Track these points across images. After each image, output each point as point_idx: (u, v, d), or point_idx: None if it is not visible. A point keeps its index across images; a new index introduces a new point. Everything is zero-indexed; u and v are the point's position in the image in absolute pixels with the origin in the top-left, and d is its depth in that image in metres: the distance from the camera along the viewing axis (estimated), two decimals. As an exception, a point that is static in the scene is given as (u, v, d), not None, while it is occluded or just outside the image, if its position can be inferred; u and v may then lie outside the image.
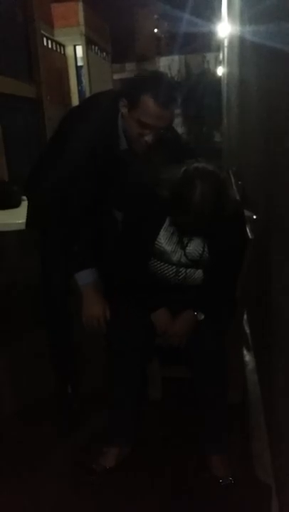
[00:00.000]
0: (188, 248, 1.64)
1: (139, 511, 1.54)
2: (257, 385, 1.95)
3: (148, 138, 1.61)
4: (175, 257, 1.66)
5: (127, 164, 1.71)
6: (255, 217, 1.77)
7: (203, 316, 1.64)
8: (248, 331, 2.35)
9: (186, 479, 1.63)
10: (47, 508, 1.58)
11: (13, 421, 1.99)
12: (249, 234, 1.73)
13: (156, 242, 1.67)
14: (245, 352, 2.18)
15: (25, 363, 2.38)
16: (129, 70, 17.55)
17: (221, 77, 8.79)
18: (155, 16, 17.96)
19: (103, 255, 1.81)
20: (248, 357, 2.17)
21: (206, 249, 1.63)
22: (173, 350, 1.69)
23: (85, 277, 1.72)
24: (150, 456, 1.74)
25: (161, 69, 13.90)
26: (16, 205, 2.89)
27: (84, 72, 12.43)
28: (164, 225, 1.67)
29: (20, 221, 2.36)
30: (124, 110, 1.62)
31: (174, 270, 1.67)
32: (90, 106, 1.81)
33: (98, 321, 1.71)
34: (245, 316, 2.24)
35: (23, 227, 2.14)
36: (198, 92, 11.88)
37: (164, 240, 1.67)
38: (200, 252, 1.64)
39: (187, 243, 1.64)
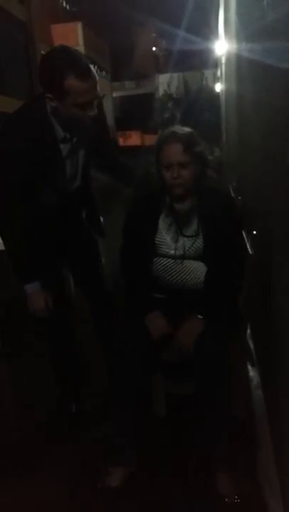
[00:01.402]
0: (185, 231, 1.76)
1: (139, 511, 1.53)
2: (262, 401, 1.93)
3: (91, 112, 1.59)
4: (176, 246, 1.75)
5: (71, 150, 1.71)
6: (255, 232, 1.78)
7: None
8: (251, 346, 2.33)
9: (186, 479, 1.63)
10: (47, 508, 1.58)
11: (13, 421, 2.01)
12: (249, 250, 1.73)
13: (157, 235, 1.77)
14: (249, 367, 2.16)
15: (27, 365, 2.40)
16: (128, 87, 17.77)
17: (219, 93, 8.89)
18: (153, 35, 18.25)
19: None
20: (252, 372, 2.16)
21: (200, 226, 1.74)
22: (177, 366, 1.69)
23: (29, 287, 1.78)
24: (150, 456, 1.74)
25: (160, 86, 14.06)
26: None
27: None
28: (161, 216, 1.78)
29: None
30: (55, 104, 1.57)
31: (174, 263, 1.75)
32: (17, 111, 1.76)
33: (41, 311, 1.79)
34: (248, 331, 2.23)
35: None
36: (196, 108, 12.00)
37: (164, 230, 1.78)
38: (196, 229, 1.75)
39: (184, 223, 1.75)
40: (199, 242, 1.76)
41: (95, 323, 2.12)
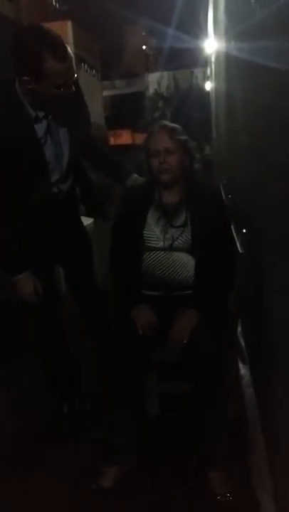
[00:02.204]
0: (174, 222, 1.80)
1: (139, 511, 1.54)
2: (253, 399, 1.94)
3: (69, 91, 1.58)
4: (164, 237, 1.78)
5: (48, 131, 1.68)
6: (244, 231, 1.78)
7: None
8: (242, 343, 2.34)
9: (186, 479, 1.64)
10: (47, 508, 1.59)
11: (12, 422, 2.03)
12: (239, 248, 1.74)
13: (145, 229, 1.81)
14: (240, 365, 2.16)
15: (26, 365, 2.39)
16: (118, 86, 17.73)
17: (209, 91, 8.91)
18: (143, 33, 18.22)
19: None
20: (243, 370, 2.16)
21: (188, 217, 1.79)
22: (171, 365, 1.69)
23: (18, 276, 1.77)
24: (150, 456, 1.75)
25: (151, 85, 14.05)
26: None
27: (74, 89, 12.51)
28: (150, 211, 1.83)
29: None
30: (32, 86, 1.53)
31: (164, 256, 1.79)
32: None
33: (30, 296, 1.79)
34: (239, 329, 2.24)
35: None
36: (187, 106, 12.02)
37: (153, 224, 1.82)
38: (184, 220, 1.79)
39: (172, 216, 1.80)
40: (187, 233, 1.78)
41: (85, 322, 2.12)
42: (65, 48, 1.51)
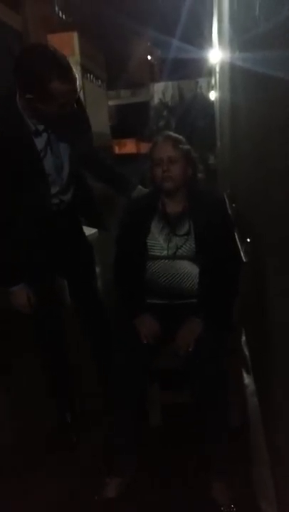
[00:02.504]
0: (177, 231, 1.81)
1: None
2: (257, 408, 1.93)
3: (70, 106, 1.57)
4: (168, 246, 1.80)
5: (48, 144, 1.68)
6: (248, 240, 1.79)
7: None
8: (246, 352, 2.33)
9: (188, 488, 1.63)
10: (46, 508, 1.59)
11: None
12: (243, 257, 1.74)
13: (148, 237, 1.82)
14: (244, 374, 2.16)
15: (27, 374, 2.39)
16: (124, 96, 17.89)
17: (213, 101, 8.96)
18: (148, 44, 18.41)
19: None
20: (247, 379, 2.15)
21: (192, 226, 1.80)
22: (174, 374, 1.69)
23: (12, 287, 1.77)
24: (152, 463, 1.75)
25: (156, 95, 14.17)
26: None
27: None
28: (154, 221, 1.84)
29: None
30: (34, 104, 1.53)
31: (168, 264, 1.80)
32: None
33: (24, 307, 1.79)
34: (243, 338, 2.23)
35: None
36: (191, 116, 12.10)
37: (156, 233, 1.83)
38: (188, 229, 1.81)
39: (176, 225, 1.82)
40: (191, 242, 1.79)
41: (86, 333, 2.12)
42: (71, 69, 1.51)
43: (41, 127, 1.65)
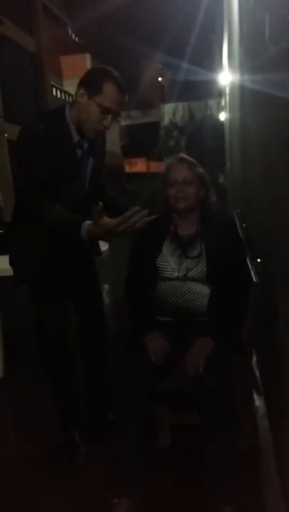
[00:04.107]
0: (189, 253, 1.83)
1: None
2: (268, 431, 1.89)
3: (107, 122, 1.73)
4: (179, 268, 1.82)
5: (83, 155, 1.83)
6: (259, 260, 1.78)
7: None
8: (257, 374, 2.30)
9: (195, 502, 1.58)
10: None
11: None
12: (254, 277, 1.73)
13: (159, 258, 1.85)
14: (255, 396, 2.12)
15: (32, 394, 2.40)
16: (135, 116, 18.15)
17: (223, 122, 9.06)
18: (159, 66, 18.74)
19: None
20: (258, 401, 2.12)
21: (204, 248, 1.82)
22: (183, 395, 1.67)
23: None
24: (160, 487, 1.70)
25: (166, 115, 14.38)
26: None
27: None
28: (166, 242, 1.87)
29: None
30: (82, 99, 1.72)
31: (179, 285, 1.81)
32: (38, 115, 2.06)
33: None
34: (254, 359, 2.21)
35: None
36: (201, 136, 12.21)
37: (168, 255, 1.86)
38: (199, 251, 1.82)
39: (188, 247, 1.84)
40: (202, 264, 1.80)
41: (87, 358, 2.11)
42: (124, 86, 1.72)
43: (81, 140, 1.80)
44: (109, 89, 1.68)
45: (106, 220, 1.57)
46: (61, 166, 1.74)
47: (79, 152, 1.82)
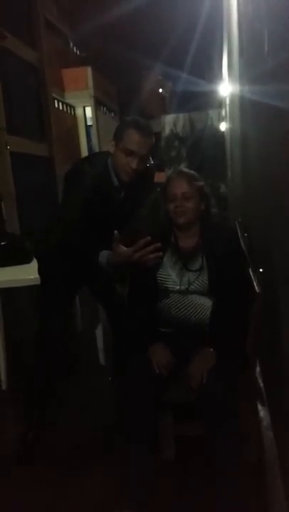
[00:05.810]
0: (190, 266, 1.83)
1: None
2: (273, 442, 1.87)
3: (133, 164, 1.86)
4: (181, 281, 1.82)
5: (120, 198, 2.00)
6: (261, 270, 1.78)
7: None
8: (261, 384, 2.29)
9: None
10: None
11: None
12: (256, 287, 1.73)
13: (160, 270, 1.85)
14: (259, 407, 2.10)
15: None
16: (135, 127, 18.20)
17: (224, 132, 9.10)
18: (159, 77, 18.88)
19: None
20: (262, 412, 2.10)
21: (205, 261, 1.82)
22: (187, 406, 1.65)
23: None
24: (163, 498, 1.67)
25: (167, 126, 14.46)
26: (27, 260, 2.90)
27: (93, 131, 13.02)
28: (167, 255, 1.87)
29: (32, 277, 2.39)
30: (113, 148, 1.91)
31: (180, 297, 1.82)
32: (86, 158, 2.35)
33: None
34: (258, 369, 2.19)
35: (34, 282, 2.19)
36: (202, 146, 12.25)
37: (169, 267, 1.86)
38: (200, 264, 1.82)
39: (189, 260, 1.84)
40: (204, 277, 1.80)
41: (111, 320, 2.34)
42: (146, 128, 1.87)
43: (119, 186, 1.97)
44: (129, 134, 1.84)
45: (123, 248, 1.74)
46: (101, 207, 1.91)
47: (117, 195, 1.99)
